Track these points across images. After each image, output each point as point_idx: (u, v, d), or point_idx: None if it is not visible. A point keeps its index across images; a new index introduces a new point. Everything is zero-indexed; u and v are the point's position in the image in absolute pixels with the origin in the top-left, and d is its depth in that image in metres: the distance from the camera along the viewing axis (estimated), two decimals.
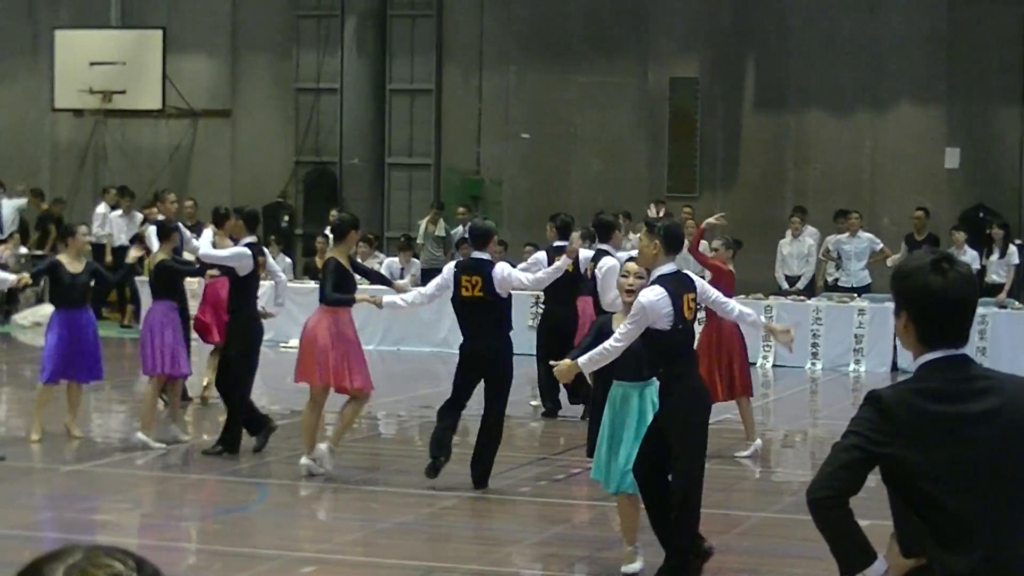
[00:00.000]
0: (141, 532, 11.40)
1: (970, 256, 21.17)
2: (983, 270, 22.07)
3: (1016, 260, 22.45)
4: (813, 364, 21.03)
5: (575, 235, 13.98)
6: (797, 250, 23.14)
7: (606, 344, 9.21)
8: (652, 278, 9.21)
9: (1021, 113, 25.37)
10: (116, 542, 2.66)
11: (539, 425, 16.23)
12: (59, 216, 26.62)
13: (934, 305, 4.28)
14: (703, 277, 11.10)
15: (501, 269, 12.20)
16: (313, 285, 12.90)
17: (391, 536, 10.88)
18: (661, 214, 11.20)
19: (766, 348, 20.72)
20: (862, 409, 4.29)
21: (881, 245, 22.84)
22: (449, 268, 12.53)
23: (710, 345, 13.82)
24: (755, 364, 19.00)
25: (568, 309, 15.72)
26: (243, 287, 13.65)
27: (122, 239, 24.61)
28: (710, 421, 9.39)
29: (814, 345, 21.06)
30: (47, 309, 16.02)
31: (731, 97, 26.57)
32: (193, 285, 16.27)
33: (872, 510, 4.88)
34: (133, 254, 15.41)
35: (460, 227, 24.61)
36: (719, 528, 10.58)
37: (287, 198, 27.96)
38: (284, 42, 28.24)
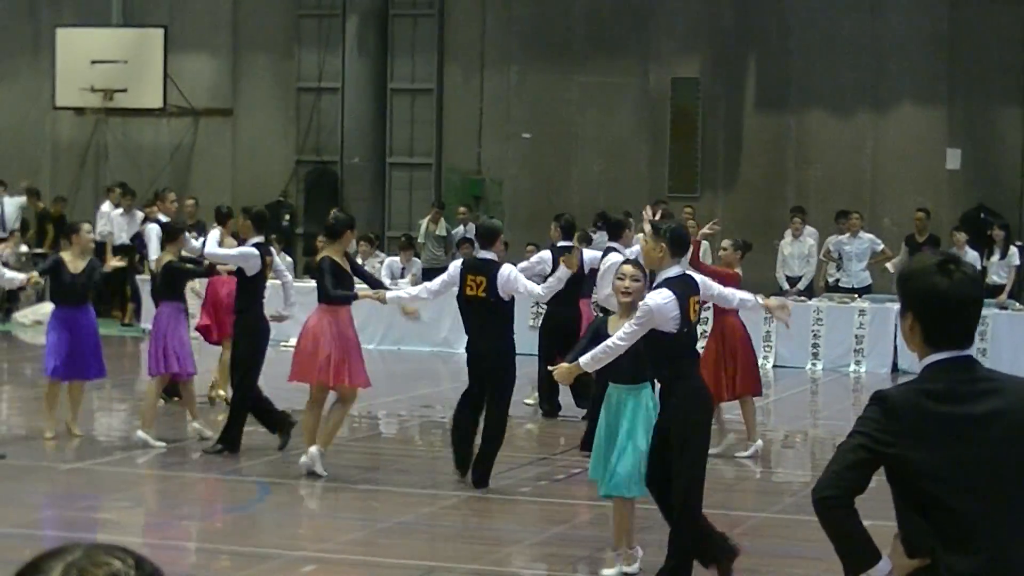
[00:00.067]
0: (142, 531, 11.40)
1: (971, 257, 21.11)
2: (984, 271, 22.05)
3: (1017, 261, 22.45)
4: (813, 365, 21.02)
5: (572, 253, 13.53)
6: (798, 250, 23.12)
7: (608, 342, 9.19)
8: (658, 281, 9.21)
9: (1022, 114, 25.36)
10: (117, 541, 2.65)
11: (539, 425, 16.23)
12: (60, 215, 26.62)
13: (940, 306, 4.28)
14: None
15: (507, 272, 12.15)
16: (314, 284, 12.86)
17: (391, 536, 10.87)
18: (658, 216, 11.14)
19: (766, 348, 20.72)
20: (868, 409, 4.29)
21: (882, 246, 22.83)
22: (456, 265, 12.51)
23: (717, 347, 13.82)
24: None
25: (570, 310, 15.68)
26: (250, 287, 13.62)
27: (123, 237, 24.61)
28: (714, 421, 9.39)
29: (815, 346, 21.05)
30: (47, 307, 15.98)
31: (732, 97, 26.56)
32: (195, 284, 16.24)
33: (875, 510, 4.87)
34: (112, 264, 15.37)
35: (461, 227, 24.61)
36: (719, 528, 10.55)
37: (288, 197, 27.94)
38: (285, 41, 28.24)
